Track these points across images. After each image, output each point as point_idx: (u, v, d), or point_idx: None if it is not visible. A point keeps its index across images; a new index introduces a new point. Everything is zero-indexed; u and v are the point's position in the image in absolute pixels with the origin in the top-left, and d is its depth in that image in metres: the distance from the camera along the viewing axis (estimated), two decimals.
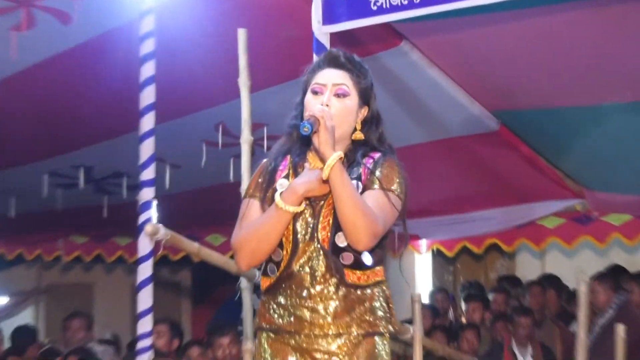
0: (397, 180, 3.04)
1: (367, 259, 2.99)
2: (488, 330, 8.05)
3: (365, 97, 3.15)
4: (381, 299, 3.08)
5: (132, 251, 9.85)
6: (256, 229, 3.03)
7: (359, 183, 3.02)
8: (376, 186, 3.00)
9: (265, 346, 3.10)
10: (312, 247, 3.01)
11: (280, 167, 3.16)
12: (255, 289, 3.12)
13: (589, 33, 5.19)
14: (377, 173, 3.02)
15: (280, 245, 3.03)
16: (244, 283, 4.61)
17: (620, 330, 5.83)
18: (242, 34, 4.73)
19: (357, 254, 2.97)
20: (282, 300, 3.06)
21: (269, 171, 3.16)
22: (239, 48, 4.72)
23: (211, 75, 5.92)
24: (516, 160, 7.37)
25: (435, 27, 5.34)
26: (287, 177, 3.12)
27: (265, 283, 3.13)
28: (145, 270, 4.38)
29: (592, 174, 7.77)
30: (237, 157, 4.95)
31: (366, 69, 3.18)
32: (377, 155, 3.10)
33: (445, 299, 9.63)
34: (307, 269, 3.01)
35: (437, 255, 10.72)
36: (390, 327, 3.10)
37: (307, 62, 4.37)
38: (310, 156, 3.13)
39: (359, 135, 3.13)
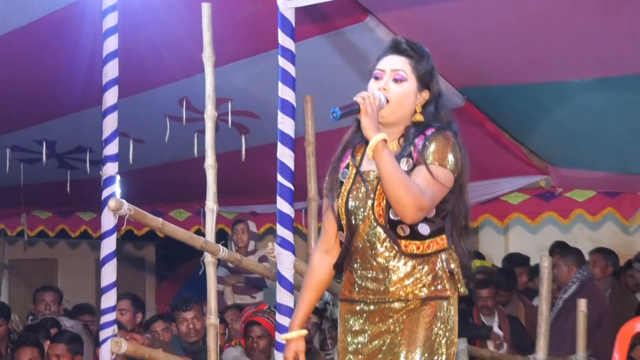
0: (450, 154, 3.23)
1: (423, 229, 3.21)
2: None
3: (425, 81, 3.35)
4: (443, 263, 3.26)
5: (96, 226, 9.86)
6: None
7: (410, 160, 3.22)
8: (426, 162, 3.19)
9: (343, 314, 3.41)
10: (370, 222, 3.27)
11: (344, 158, 3.41)
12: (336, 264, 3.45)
13: (559, 9, 5.20)
14: (427, 150, 3.21)
15: (342, 227, 3.34)
16: (208, 258, 4.60)
17: (582, 304, 5.90)
18: (206, 8, 4.71)
19: (413, 225, 3.18)
20: (352, 273, 3.36)
21: (334, 161, 3.45)
22: (203, 23, 4.70)
23: (175, 50, 5.90)
24: (481, 136, 7.37)
25: (402, 2, 5.34)
26: (347, 166, 3.38)
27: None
28: (109, 245, 4.41)
29: (557, 150, 7.82)
30: (201, 132, 4.95)
31: (426, 53, 3.37)
32: (430, 131, 3.27)
33: None
34: (367, 244, 3.29)
35: None
36: (458, 290, 3.29)
37: (272, 37, 4.40)
38: None
39: (419, 117, 3.33)
